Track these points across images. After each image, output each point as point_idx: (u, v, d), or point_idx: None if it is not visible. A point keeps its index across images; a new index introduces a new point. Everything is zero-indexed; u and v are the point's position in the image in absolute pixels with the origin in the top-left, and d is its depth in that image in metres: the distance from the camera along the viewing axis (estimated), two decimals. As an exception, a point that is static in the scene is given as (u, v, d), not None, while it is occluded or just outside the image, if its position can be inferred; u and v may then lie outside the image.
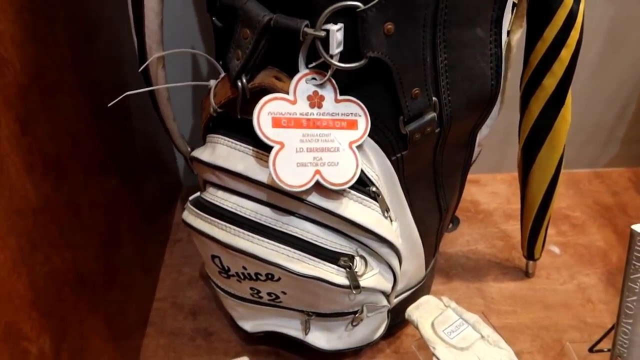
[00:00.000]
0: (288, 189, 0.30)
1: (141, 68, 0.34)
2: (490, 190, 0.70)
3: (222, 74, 0.35)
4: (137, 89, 0.36)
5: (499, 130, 0.61)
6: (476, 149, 0.51)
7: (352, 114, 0.32)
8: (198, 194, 0.39)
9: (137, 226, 0.51)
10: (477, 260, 0.59)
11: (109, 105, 0.33)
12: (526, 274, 0.57)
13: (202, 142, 0.38)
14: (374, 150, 0.34)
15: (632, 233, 0.31)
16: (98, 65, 0.42)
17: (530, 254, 0.55)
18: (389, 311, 0.43)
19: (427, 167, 0.39)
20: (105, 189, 0.43)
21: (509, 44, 0.44)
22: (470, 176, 0.71)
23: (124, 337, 0.46)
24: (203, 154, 0.36)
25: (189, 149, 0.44)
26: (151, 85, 0.35)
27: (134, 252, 0.50)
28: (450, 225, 0.55)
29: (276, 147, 0.30)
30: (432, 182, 0.40)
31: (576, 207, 0.67)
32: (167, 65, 0.37)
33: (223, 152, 0.34)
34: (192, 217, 0.37)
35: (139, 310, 0.52)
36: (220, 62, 0.36)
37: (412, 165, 0.36)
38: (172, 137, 0.41)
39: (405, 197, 0.38)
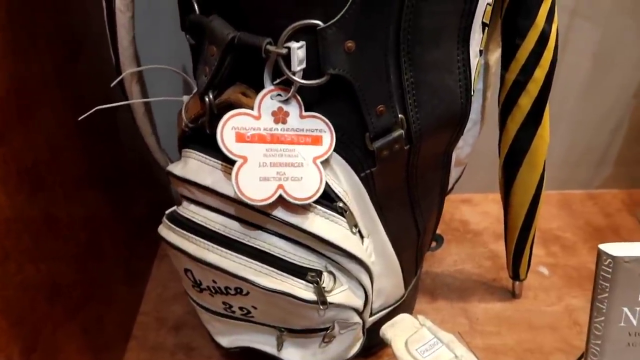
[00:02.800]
0: (251, 202, 0.31)
1: (113, 84, 0.35)
2: (482, 210, 0.69)
3: (195, 90, 0.35)
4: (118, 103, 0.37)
5: (490, 150, 0.61)
6: (457, 168, 0.51)
7: (317, 129, 0.32)
8: (174, 208, 0.40)
9: (122, 239, 0.51)
10: (464, 280, 0.59)
11: (79, 119, 0.34)
12: (513, 295, 0.56)
13: (179, 156, 0.39)
14: (341, 167, 0.34)
15: (599, 253, 0.31)
16: (82, 80, 0.43)
17: (515, 274, 0.54)
18: (366, 329, 0.42)
19: (400, 185, 0.39)
20: (87, 202, 0.44)
21: (487, 63, 0.44)
22: (461, 195, 0.72)
23: (103, 350, 0.46)
24: (176, 168, 0.37)
25: (169, 163, 0.44)
26: (128, 100, 0.36)
27: (117, 265, 0.51)
28: (434, 244, 0.55)
29: (239, 161, 0.31)
30: (406, 199, 0.40)
31: (567, 228, 0.66)
32: (159, 80, 0.38)
33: (194, 166, 0.35)
34: (166, 231, 0.38)
35: (121, 323, 0.52)
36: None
37: (383, 182, 0.36)
38: (151, 151, 0.42)
39: (378, 213, 0.38)
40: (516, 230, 0.50)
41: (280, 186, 0.31)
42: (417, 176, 0.39)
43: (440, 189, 0.43)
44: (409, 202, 0.41)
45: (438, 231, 0.51)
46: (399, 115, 0.33)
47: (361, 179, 0.35)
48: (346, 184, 0.35)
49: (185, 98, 0.36)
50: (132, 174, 0.54)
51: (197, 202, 0.36)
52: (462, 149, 0.48)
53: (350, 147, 0.34)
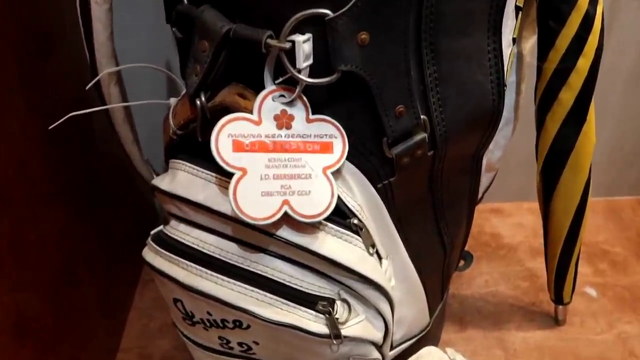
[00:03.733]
0: (251, 221, 0.30)
1: (89, 86, 0.35)
2: (515, 222, 0.69)
3: (183, 92, 0.35)
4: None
5: (523, 152, 0.61)
6: (487, 175, 0.51)
7: (326, 135, 0.32)
8: (160, 227, 0.40)
9: (100, 263, 0.51)
10: (498, 304, 0.58)
11: (50, 127, 0.34)
12: (555, 321, 0.56)
13: (166, 168, 0.39)
14: (355, 177, 0.34)
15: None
16: (53, 84, 0.43)
17: (558, 297, 0.54)
18: (385, 365, 0.42)
19: (423, 196, 0.38)
20: (59, 221, 0.44)
21: (520, 52, 0.44)
22: (491, 205, 0.72)
23: (78, 394, 0.46)
24: (163, 181, 0.36)
25: (154, 176, 0.44)
26: (105, 104, 0.36)
27: (95, 294, 0.51)
28: (462, 262, 0.55)
29: (237, 174, 0.30)
30: (430, 213, 0.40)
31: (616, 241, 0.65)
32: (142, 81, 0.38)
33: (184, 179, 0.35)
34: (152, 255, 0.38)
35: (99, 361, 0.52)
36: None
37: (403, 193, 0.36)
38: (133, 162, 0.42)
39: (398, 230, 0.38)
40: (558, 244, 0.50)
41: (286, 202, 0.31)
42: (442, 185, 0.38)
43: (468, 199, 0.43)
44: (433, 216, 0.40)
45: (466, 248, 0.51)
46: (421, 117, 0.33)
47: (378, 190, 0.35)
48: (361, 197, 0.35)
49: (173, 101, 0.36)
50: (111, 189, 0.54)
51: (187, 221, 0.36)
52: (493, 153, 0.48)
53: (365, 155, 0.34)
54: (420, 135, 0.33)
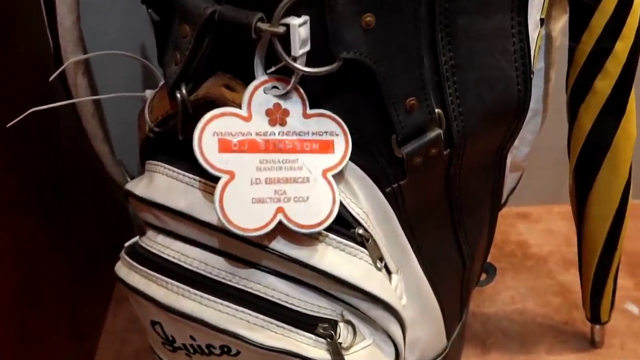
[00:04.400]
0: (240, 232, 0.30)
1: (52, 77, 0.35)
2: (544, 228, 0.69)
3: (161, 83, 0.35)
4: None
5: (553, 149, 0.61)
6: (513, 175, 0.51)
7: (326, 132, 0.32)
8: (136, 239, 0.40)
9: (67, 280, 0.51)
10: (525, 323, 0.59)
11: (9, 125, 0.34)
12: (592, 343, 0.56)
13: (142, 170, 0.39)
14: (360, 181, 0.34)
15: None
16: (11, 75, 0.43)
17: (595, 315, 0.54)
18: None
19: (438, 201, 0.39)
20: (20, 232, 0.44)
21: (548, 35, 0.44)
22: (517, 209, 0.72)
23: None
24: (138, 186, 0.36)
25: (128, 179, 0.45)
26: (71, 97, 0.36)
27: (62, 315, 0.51)
28: (484, 276, 0.55)
29: (224, 178, 0.30)
30: (447, 220, 0.40)
31: (662, 249, 0.66)
32: (113, 71, 0.38)
33: (162, 183, 0.35)
34: (126, 270, 0.38)
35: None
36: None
37: (416, 198, 0.36)
38: (104, 163, 0.42)
39: (410, 240, 0.38)
40: (595, 254, 0.50)
41: (280, 209, 0.31)
42: (460, 188, 0.39)
43: (491, 203, 0.43)
44: (451, 223, 0.41)
45: (489, 259, 0.51)
46: (436, 110, 0.33)
47: (387, 195, 0.35)
48: (367, 203, 0.35)
49: (149, 93, 0.36)
50: (79, 195, 0.54)
51: (167, 231, 0.36)
52: (519, 149, 0.48)
53: (371, 154, 0.34)
54: (435, 132, 0.34)
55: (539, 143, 0.49)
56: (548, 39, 0.44)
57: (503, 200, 0.49)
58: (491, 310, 0.60)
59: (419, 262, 0.39)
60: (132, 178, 0.44)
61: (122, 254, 0.39)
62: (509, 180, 0.51)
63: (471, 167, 0.38)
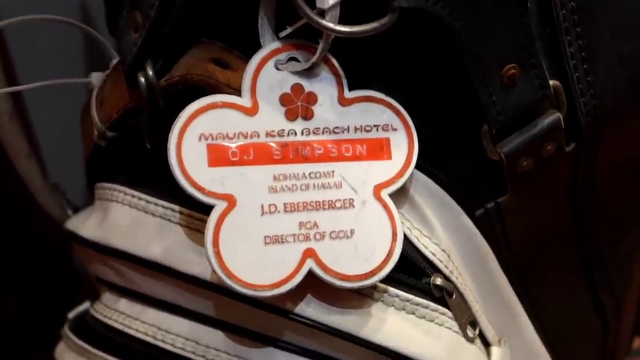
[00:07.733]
0: (248, 291, 0.30)
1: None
2: None
3: (114, 61, 0.36)
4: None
5: None
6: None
7: (377, 126, 0.32)
8: (85, 305, 0.40)
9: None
10: None
11: None
12: None
13: (90, 198, 0.40)
14: (434, 201, 0.34)
15: None
16: None
17: None
18: None
19: (561, 228, 0.39)
20: None
21: None
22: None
23: None
24: (85, 224, 0.37)
25: (69, 213, 0.45)
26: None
27: None
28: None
29: (220, 206, 0.30)
30: (575, 256, 0.41)
31: None
32: (41, 46, 0.37)
33: (123, 219, 0.35)
34: (71, 356, 0.38)
35: None
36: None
37: (525, 224, 0.37)
38: (30, 188, 0.43)
39: (518, 292, 0.38)
40: None
41: (310, 252, 0.31)
42: (595, 207, 0.39)
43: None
44: (581, 262, 0.41)
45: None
46: (550, 82, 0.33)
47: (478, 222, 0.35)
48: (447, 235, 0.35)
49: (96, 77, 0.37)
50: (9, 237, 0.55)
51: (133, 293, 0.37)
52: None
53: (449, 159, 0.34)
54: (551, 116, 0.34)
55: None
56: None
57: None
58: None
59: (535, 325, 0.39)
60: (76, 211, 0.44)
61: (65, 330, 0.39)
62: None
63: (612, 170, 0.38)
